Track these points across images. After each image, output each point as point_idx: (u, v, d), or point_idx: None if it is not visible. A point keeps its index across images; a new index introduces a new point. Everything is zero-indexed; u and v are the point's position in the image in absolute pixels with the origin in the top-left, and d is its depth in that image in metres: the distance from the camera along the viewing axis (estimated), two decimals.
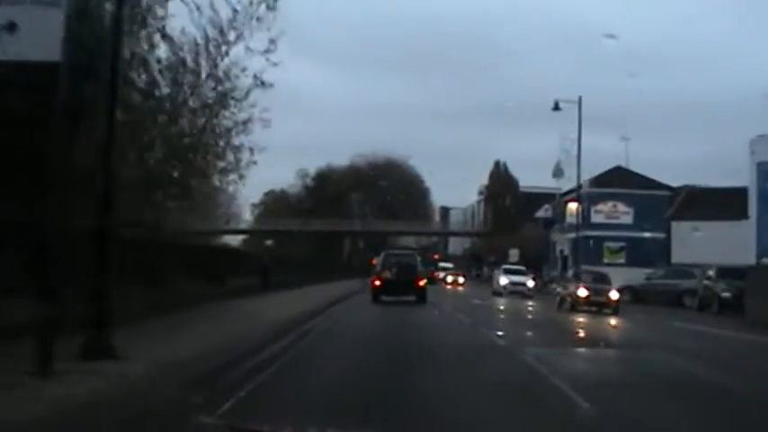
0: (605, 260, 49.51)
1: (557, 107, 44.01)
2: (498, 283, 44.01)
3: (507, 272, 45.25)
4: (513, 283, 42.86)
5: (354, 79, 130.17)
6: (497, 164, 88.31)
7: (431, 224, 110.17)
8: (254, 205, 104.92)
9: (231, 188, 22.53)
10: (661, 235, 51.31)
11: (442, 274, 76.15)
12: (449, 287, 65.23)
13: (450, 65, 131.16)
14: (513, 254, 69.12)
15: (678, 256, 46.62)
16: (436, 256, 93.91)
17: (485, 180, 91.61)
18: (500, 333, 16.87)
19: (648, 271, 41.90)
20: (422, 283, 28.25)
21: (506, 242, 72.76)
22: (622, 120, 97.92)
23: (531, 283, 43.67)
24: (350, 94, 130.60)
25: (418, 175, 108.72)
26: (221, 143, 16.31)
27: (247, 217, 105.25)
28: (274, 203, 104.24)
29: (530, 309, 30.64)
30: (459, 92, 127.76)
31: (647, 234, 51.84)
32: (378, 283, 28.22)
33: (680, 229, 49.40)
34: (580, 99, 43.68)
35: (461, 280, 70.62)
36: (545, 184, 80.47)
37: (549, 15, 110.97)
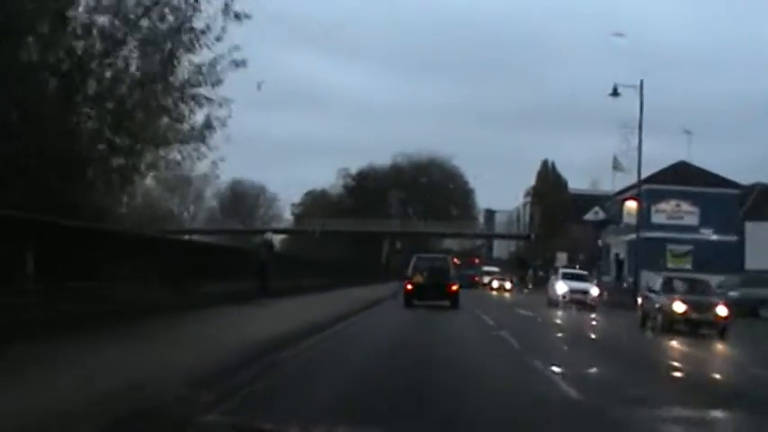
0: (669, 264, 44.22)
1: (615, 93, 39.17)
2: (555, 290, 36.19)
3: (567, 277, 37.00)
4: (573, 291, 35.07)
5: (399, 81, 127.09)
6: (545, 163, 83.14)
7: (474, 226, 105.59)
8: (293, 205, 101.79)
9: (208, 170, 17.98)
10: (732, 237, 45.88)
11: (486, 279, 71.33)
12: (494, 293, 60.35)
13: (495, 67, 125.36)
14: (561, 257, 63.97)
15: (753, 261, 41.25)
16: (476, 260, 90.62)
17: (531, 182, 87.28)
18: (564, 370, 10.59)
19: (720, 278, 36.60)
20: (454, 287, 27.34)
21: (553, 245, 67.74)
22: (676, 121, 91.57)
23: (594, 291, 35.78)
24: (394, 96, 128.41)
25: (462, 175, 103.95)
26: (180, 97, 11.94)
27: (288, 217, 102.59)
28: (314, 204, 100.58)
29: (600, 327, 24.16)
30: (505, 94, 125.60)
31: (715, 236, 46.37)
32: (409, 287, 27.59)
33: (756, 230, 43.94)
34: (641, 83, 38.93)
35: (508, 285, 65.68)
36: (592, 188, 77.09)
37: (597, 17, 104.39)
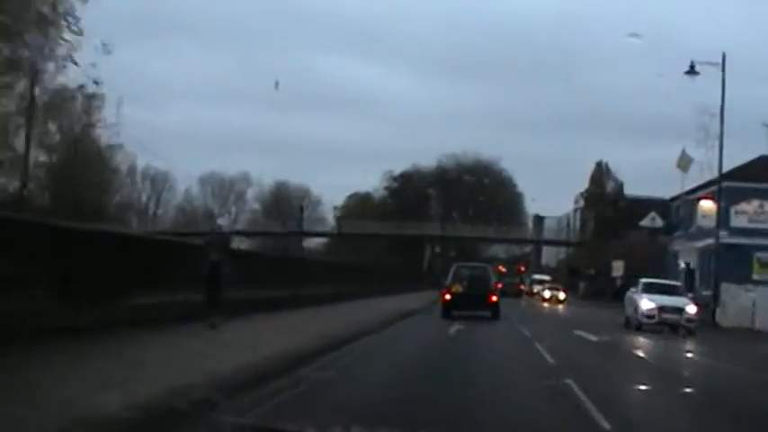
0: (754, 275, 37.54)
1: (692, 71, 33.07)
2: (638, 307, 26.57)
3: (651, 289, 27.48)
4: (663, 309, 25.80)
5: (444, 86, 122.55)
6: (599, 165, 76.47)
7: (523, 232, 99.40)
8: (335, 208, 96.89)
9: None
10: None
11: (536, 288, 65.02)
12: (545, 304, 54.05)
13: (542, 72, 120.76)
14: (617, 266, 57.66)
15: None
16: (522, 269, 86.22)
17: (581, 188, 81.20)
18: None
19: None
20: (494, 298, 26.67)
21: (608, 253, 61.32)
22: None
23: (692, 309, 26.37)
24: (440, 101, 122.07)
25: (510, 178, 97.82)
26: None
27: (330, 221, 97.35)
28: (356, 207, 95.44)
29: (732, 373, 15.57)
30: (548, 99, 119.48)
31: None
32: (448, 297, 26.76)
33: None
34: (724, 57, 32.74)
35: (562, 296, 59.28)
36: (646, 193, 70.49)
37: (643, 22, 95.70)
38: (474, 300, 26.14)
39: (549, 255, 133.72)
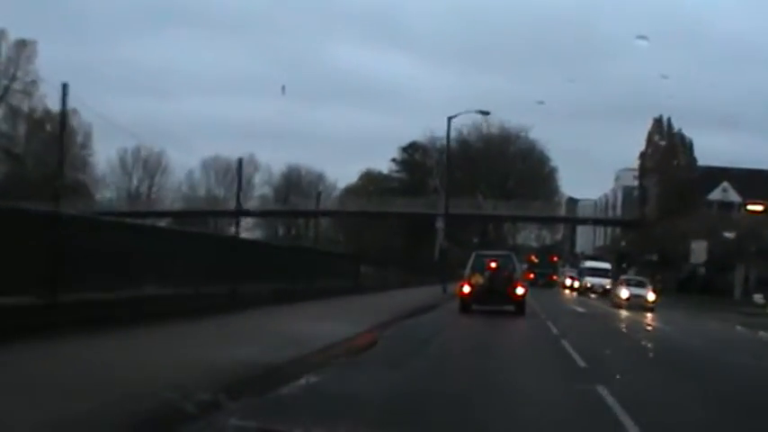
0: None
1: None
2: None
3: None
4: None
5: (460, 73, 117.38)
6: (659, 122, 60.98)
7: (556, 210, 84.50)
8: (347, 188, 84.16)
9: None
10: None
11: (592, 281, 49.34)
12: (622, 312, 32.31)
13: (557, 58, 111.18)
14: (699, 249, 42.77)
15: None
16: (555, 259, 78.45)
17: (620, 165, 67.51)
18: None
19: None
20: (520, 291, 23.38)
21: (677, 233, 46.34)
22: None
23: None
24: (455, 88, 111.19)
25: (541, 151, 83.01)
26: None
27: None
28: (368, 185, 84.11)
29: None
30: (568, 87, 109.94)
31: None
32: (466, 290, 23.64)
33: None
34: None
35: (651, 297, 35.48)
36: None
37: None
38: (496, 293, 23.40)
39: (584, 242, 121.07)
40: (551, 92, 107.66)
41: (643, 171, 62.48)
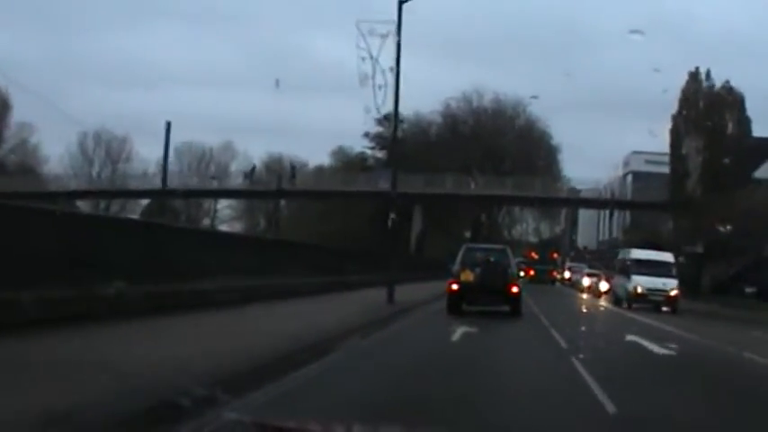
0: None
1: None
2: None
3: None
4: None
5: (452, 67, 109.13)
6: (694, 76, 47.97)
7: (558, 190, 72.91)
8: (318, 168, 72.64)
9: None
10: None
11: (642, 283, 34.30)
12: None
13: (544, 53, 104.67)
14: None
15: None
16: (555, 255, 75.69)
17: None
18: None
19: None
20: (515, 288, 21.37)
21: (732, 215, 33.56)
22: None
23: None
24: (447, 82, 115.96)
25: (543, 129, 70.46)
26: None
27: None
28: (339, 165, 73.02)
29: None
30: (574, 83, 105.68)
31: None
32: (455, 287, 21.35)
33: None
34: None
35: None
36: None
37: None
38: (489, 291, 21.09)
39: (587, 235, 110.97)
40: (545, 87, 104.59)
41: (677, 140, 49.38)
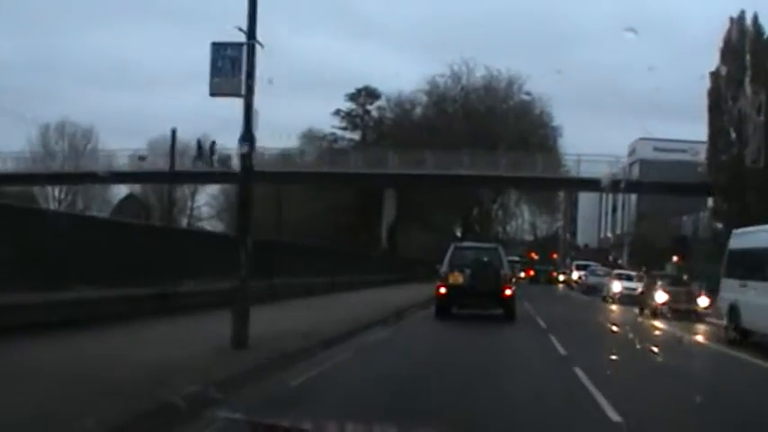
0: None
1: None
2: None
3: None
4: None
5: (437, 63, 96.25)
6: (738, 21, 38.06)
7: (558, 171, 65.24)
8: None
9: None
10: None
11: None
12: None
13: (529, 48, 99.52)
14: None
15: None
16: (555, 255, 75.28)
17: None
18: None
19: None
20: (508, 291, 19.60)
21: None
22: None
23: None
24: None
25: (542, 108, 60.97)
26: None
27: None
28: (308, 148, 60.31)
29: None
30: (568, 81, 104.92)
31: None
32: (443, 290, 19.94)
33: None
34: None
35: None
36: None
37: None
38: (480, 294, 19.43)
39: (587, 233, 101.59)
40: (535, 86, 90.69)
41: (716, 102, 39.32)
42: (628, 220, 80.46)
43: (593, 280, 41.63)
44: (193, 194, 74.94)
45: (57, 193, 67.92)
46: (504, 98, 62.43)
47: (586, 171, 44.73)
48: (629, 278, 33.97)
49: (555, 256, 74.94)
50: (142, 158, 47.17)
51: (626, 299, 30.89)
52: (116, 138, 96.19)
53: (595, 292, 38.21)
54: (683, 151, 61.32)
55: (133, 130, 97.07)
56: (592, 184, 43.70)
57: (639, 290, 28.46)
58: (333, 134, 59.42)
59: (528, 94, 60.49)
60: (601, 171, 51.02)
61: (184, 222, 66.71)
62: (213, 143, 49.22)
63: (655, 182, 43.90)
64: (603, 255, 75.67)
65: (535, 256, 66.59)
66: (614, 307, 30.78)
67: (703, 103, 39.07)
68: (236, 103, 10.14)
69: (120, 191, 67.68)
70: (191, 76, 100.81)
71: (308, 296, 20.91)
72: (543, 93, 59.82)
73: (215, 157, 49.54)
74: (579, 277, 48.32)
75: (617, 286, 33.18)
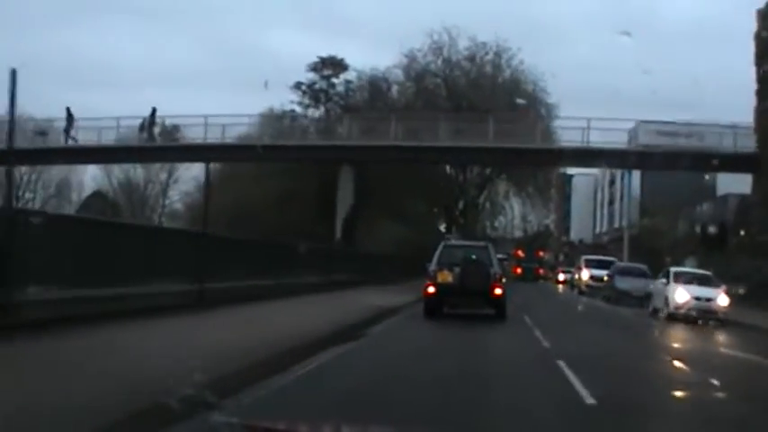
0: None
1: None
2: None
3: None
4: None
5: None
6: None
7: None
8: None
9: None
10: None
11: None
12: None
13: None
14: None
15: None
16: (541, 253, 73.55)
17: None
18: None
19: None
20: (498, 290, 19.09)
21: None
22: None
23: None
24: None
25: (534, 82, 52.73)
26: None
27: None
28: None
29: None
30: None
31: None
32: (432, 290, 19.34)
33: None
34: None
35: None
36: None
37: None
38: (470, 293, 19.02)
39: (582, 228, 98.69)
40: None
41: (763, 62, 31.21)
42: (627, 213, 73.03)
43: (626, 284, 30.30)
44: (165, 191, 67.56)
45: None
46: (493, 73, 54.31)
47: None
48: (701, 281, 23.04)
49: (541, 253, 73.30)
50: (42, 134, 38.46)
51: (695, 314, 21.32)
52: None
53: (629, 301, 28.40)
54: (689, 136, 53.91)
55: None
56: (596, 158, 35.24)
57: (719, 302, 19.98)
58: (292, 111, 50.81)
59: (521, 62, 52.52)
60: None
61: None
62: (154, 110, 40.43)
63: (678, 151, 35.16)
64: (600, 251, 67.86)
65: (521, 254, 63.47)
66: (688, 329, 20.32)
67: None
68: None
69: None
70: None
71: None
72: (536, 66, 52.15)
73: (156, 129, 40.77)
74: (592, 278, 37.99)
75: (682, 295, 22.10)
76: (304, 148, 32.48)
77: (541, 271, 67.06)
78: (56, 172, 60.41)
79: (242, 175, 44.72)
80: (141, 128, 40.40)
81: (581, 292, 38.37)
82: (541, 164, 41.29)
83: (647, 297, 26.27)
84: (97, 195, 61.33)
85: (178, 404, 4.69)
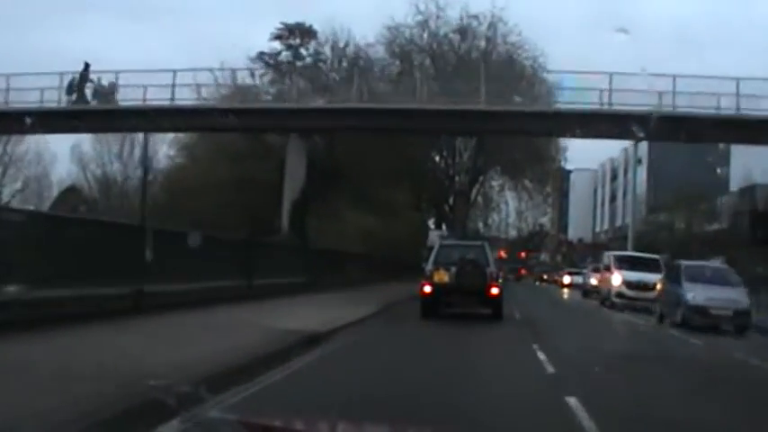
0: None
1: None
2: None
3: None
4: None
5: None
6: None
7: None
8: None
9: None
10: None
11: None
12: None
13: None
14: None
15: None
16: (524, 254, 78.50)
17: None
18: None
19: None
20: (495, 290, 19.14)
21: None
22: None
23: None
24: None
25: (533, 59, 46.01)
26: None
27: None
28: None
29: None
30: None
31: None
32: (428, 289, 19.39)
33: None
34: None
35: None
36: None
37: None
38: (467, 293, 19.05)
39: (580, 226, 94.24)
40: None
41: None
42: (632, 210, 67.06)
43: (702, 294, 18.76)
44: (144, 186, 61.81)
45: None
46: (486, 47, 48.29)
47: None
48: None
49: (524, 254, 79.95)
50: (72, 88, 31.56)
51: None
52: None
53: (707, 322, 18.28)
54: None
55: None
56: (611, 123, 28.20)
57: None
58: (254, 86, 44.09)
59: (519, 34, 46.63)
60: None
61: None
62: (87, 66, 33.22)
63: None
64: (601, 250, 62.23)
65: (504, 255, 60.82)
66: None
67: None
68: None
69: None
70: None
71: None
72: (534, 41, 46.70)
73: (88, 89, 33.45)
74: (627, 284, 27.33)
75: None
76: (243, 113, 25.36)
77: (523, 272, 75.43)
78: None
79: (196, 159, 38.60)
80: (69, 89, 33.30)
81: (612, 305, 27.57)
82: (543, 134, 34.53)
83: (742, 317, 18.04)
84: (71, 190, 58.00)
85: None
